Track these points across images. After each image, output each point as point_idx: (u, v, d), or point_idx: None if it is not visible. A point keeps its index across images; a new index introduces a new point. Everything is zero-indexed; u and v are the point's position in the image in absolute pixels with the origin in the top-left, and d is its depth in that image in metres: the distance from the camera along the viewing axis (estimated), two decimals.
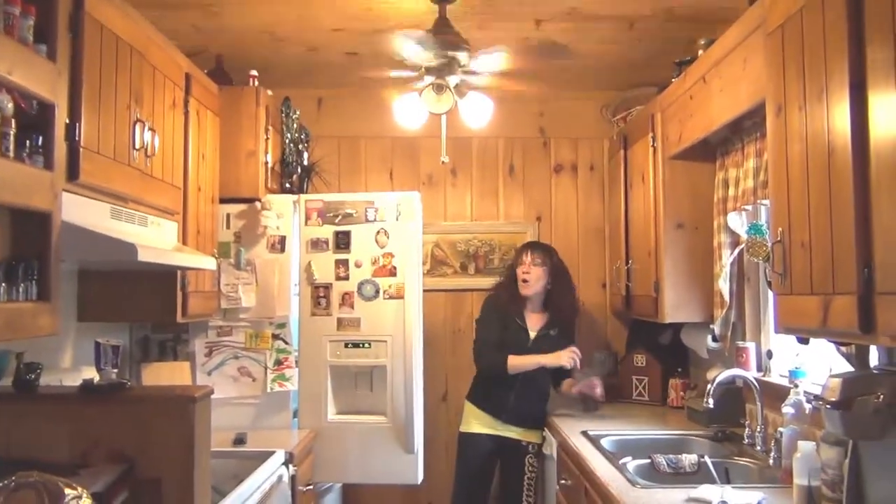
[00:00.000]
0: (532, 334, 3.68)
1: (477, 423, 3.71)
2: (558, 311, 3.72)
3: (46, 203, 1.93)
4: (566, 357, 3.52)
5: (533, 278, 3.67)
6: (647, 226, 3.55)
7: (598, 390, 3.55)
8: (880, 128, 1.62)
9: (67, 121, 2.06)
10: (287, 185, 3.80)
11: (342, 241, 3.58)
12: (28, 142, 1.89)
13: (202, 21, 3.27)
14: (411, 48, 2.81)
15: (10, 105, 1.81)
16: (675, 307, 3.34)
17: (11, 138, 1.80)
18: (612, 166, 4.33)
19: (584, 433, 3.17)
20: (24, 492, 1.62)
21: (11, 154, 1.79)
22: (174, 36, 3.22)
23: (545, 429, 3.64)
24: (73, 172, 2.07)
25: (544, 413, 3.71)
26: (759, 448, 2.81)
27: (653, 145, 3.46)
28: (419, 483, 3.60)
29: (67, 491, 1.61)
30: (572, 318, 3.80)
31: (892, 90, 1.57)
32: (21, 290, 1.85)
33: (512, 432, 3.66)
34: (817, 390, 2.22)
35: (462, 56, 3.01)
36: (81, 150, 2.09)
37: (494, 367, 3.61)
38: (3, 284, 1.80)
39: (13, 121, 1.80)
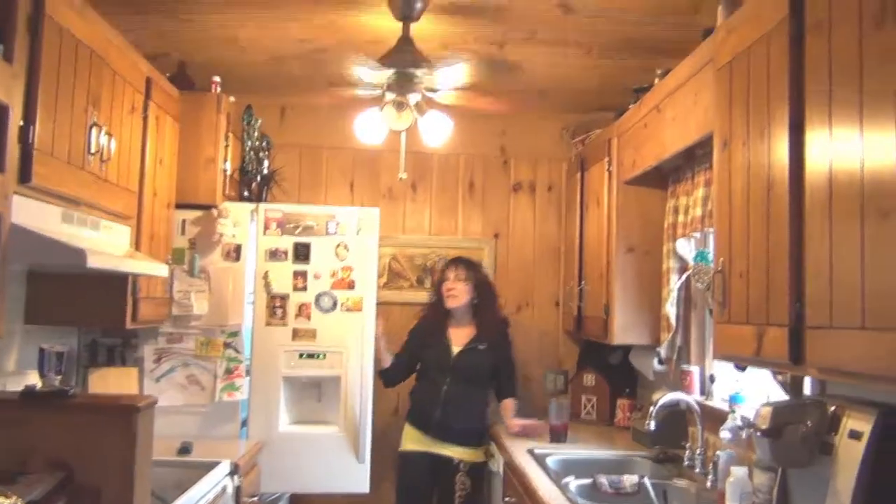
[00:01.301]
0: (455, 350, 3.73)
1: (410, 441, 3.73)
2: (486, 324, 3.77)
3: None
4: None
5: (458, 292, 3.74)
6: (600, 248, 3.62)
7: (539, 436, 3.53)
8: (816, 167, 1.70)
9: (22, 123, 2.04)
10: (246, 193, 3.79)
11: (301, 253, 3.59)
12: None
13: (166, 25, 3.25)
14: (367, 72, 2.85)
15: None
16: (624, 329, 3.41)
17: None
18: (569, 187, 4.40)
19: (530, 451, 3.21)
20: None
21: None
22: (137, 39, 3.21)
23: (492, 445, 3.67)
24: (25, 175, 2.05)
25: (482, 429, 3.73)
26: (698, 470, 2.87)
27: (608, 169, 3.54)
28: (367, 492, 3.62)
29: (0, 499, 1.60)
30: (503, 330, 3.86)
31: (827, 132, 1.64)
32: None
33: (445, 449, 3.65)
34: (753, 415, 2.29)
35: (422, 73, 3.04)
36: (35, 152, 2.07)
37: (380, 376, 3.77)
38: None
39: None
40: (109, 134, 2.55)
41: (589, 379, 4.13)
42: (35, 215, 2.13)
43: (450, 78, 3.09)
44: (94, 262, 2.12)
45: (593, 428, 3.93)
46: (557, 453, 3.22)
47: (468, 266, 3.84)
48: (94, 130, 2.43)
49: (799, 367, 1.73)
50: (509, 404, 3.75)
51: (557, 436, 3.46)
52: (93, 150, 2.43)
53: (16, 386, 2.42)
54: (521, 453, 3.19)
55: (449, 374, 3.67)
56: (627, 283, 3.41)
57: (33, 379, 2.46)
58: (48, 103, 2.15)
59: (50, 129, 2.17)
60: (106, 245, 2.57)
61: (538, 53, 3.48)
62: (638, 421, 3.49)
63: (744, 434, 2.41)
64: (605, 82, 3.87)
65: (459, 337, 3.76)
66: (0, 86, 1.92)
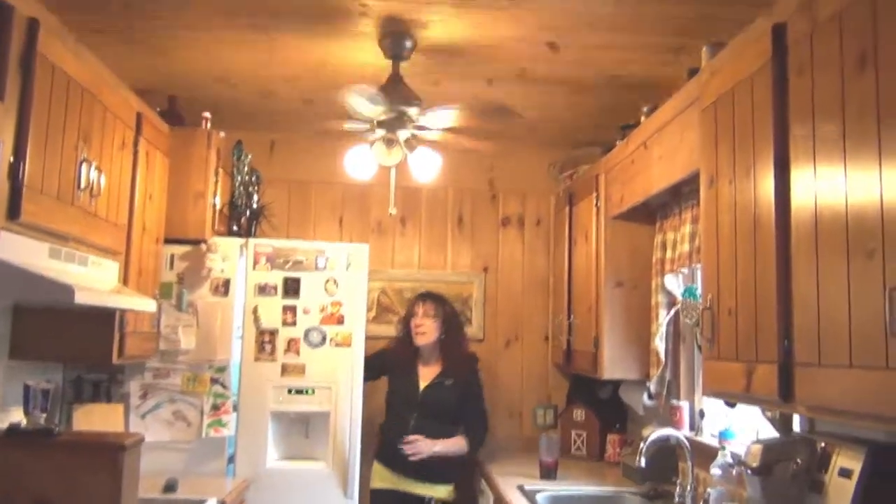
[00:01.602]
0: (422, 384, 3.69)
1: (379, 478, 3.67)
2: (453, 360, 3.73)
3: None
4: None
5: (427, 329, 3.71)
6: (589, 282, 3.63)
7: (409, 449, 3.52)
8: (801, 205, 1.72)
9: (11, 159, 2.05)
10: (235, 228, 3.79)
11: (291, 288, 3.58)
12: None
13: (157, 62, 3.28)
14: (361, 103, 2.87)
15: None
16: (613, 363, 3.41)
17: None
18: (557, 222, 4.43)
19: (520, 488, 3.19)
20: None
21: None
22: (128, 75, 3.23)
23: (482, 481, 3.63)
24: (13, 212, 2.05)
25: (452, 465, 3.63)
26: None
27: (596, 205, 3.56)
28: None
29: None
30: (472, 367, 3.81)
31: (812, 171, 1.67)
32: None
33: (414, 487, 3.57)
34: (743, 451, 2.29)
35: (413, 111, 3.07)
36: (24, 189, 2.07)
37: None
38: None
39: None
40: (99, 169, 2.56)
41: (578, 414, 4.11)
42: (22, 251, 2.13)
43: (440, 120, 3.12)
44: (81, 299, 2.11)
45: (583, 464, 3.90)
46: (548, 490, 3.19)
47: (436, 302, 3.81)
48: (84, 166, 2.43)
49: (788, 405, 1.74)
50: (458, 440, 3.63)
51: (548, 472, 3.43)
52: (82, 186, 2.43)
53: None
54: (510, 489, 3.17)
55: (416, 410, 3.63)
56: (616, 318, 3.42)
57: (17, 416, 2.43)
58: (39, 140, 2.16)
59: (40, 165, 2.17)
60: (94, 280, 2.56)
61: (527, 91, 3.53)
62: (628, 456, 3.47)
63: (734, 471, 2.41)
64: (593, 118, 3.92)
65: (427, 373, 3.73)
66: None
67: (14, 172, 2.05)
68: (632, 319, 3.41)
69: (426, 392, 3.66)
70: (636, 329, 3.40)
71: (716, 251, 2.13)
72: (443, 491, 3.59)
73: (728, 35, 2.62)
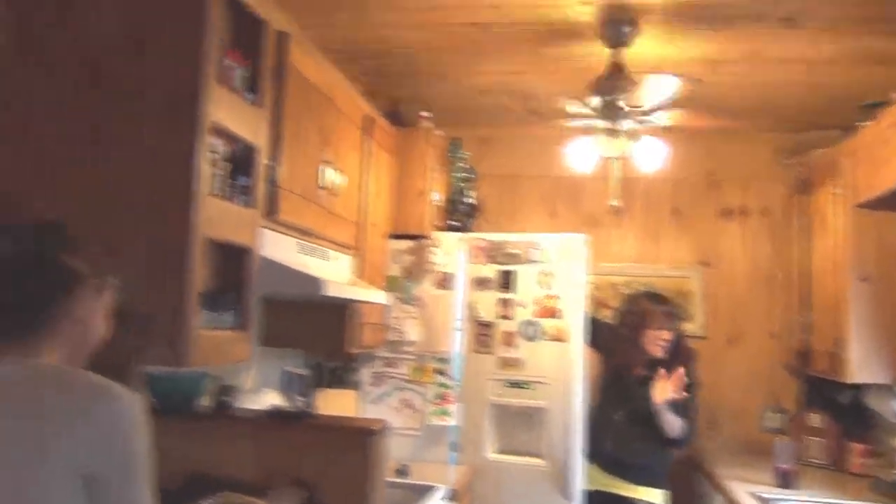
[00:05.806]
0: (634, 381, 3.24)
1: (588, 478, 3.31)
2: (672, 359, 3.17)
3: (248, 239, 2.09)
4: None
5: (667, 344, 3.21)
6: (829, 277, 3.35)
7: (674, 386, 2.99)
8: None
9: (267, 162, 2.22)
10: (451, 224, 3.89)
11: (506, 281, 3.61)
12: (233, 182, 2.06)
13: (380, 63, 3.43)
14: (576, 106, 2.82)
15: (224, 149, 1.98)
16: (860, 366, 3.11)
17: (223, 180, 1.96)
18: (787, 212, 4.11)
19: (756, 495, 2.99)
20: None
21: (223, 194, 1.96)
22: (353, 78, 3.41)
23: (702, 484, 3.45)
24: (271, 210, 2.23)
25: (663, 467, 3.22)
26: None
27: (838, 192, 3.27)
28: None
29: None
30: (689, 365, 3.19)
31: None
32: (223, 319, 2.01)
33: (621, 488, 3.18)
34: None
35: (635, 99, 2.98)
36: (280, 189, 2.24)
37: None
38: (211, 313, 1.95)
39: (224, 164, 1.97)
40: (338, 170, 2.71)
41: (814, 419, 3.79)
42: (275, 247, 2.30)
43: (658, 94, 2.98)
44: (330, 291, 2.26)
45: (820, 473, 3.59)
46: (788, 500, 2.97)
47: (673, 308, 3.33)
48: (324, 167, 2.59)
49: None
50: (677, 420, 3.09)
51: (786, 480, 3.18)
52: (324, 186, 2.59)
53: (252, 403, 2.62)
54: (744, 496, 2.98)
55: (623, 407, 3.21)
56: (863, 316, 3.12)
57: (269, 397, 2.65)
58: (290, 143, 2.33)
59: (290, 166, 2.34)
60: (333, 274, 2.73)
61: (755, 72, 3.31)
62: (880, 469, 3.16)
63: None
64: (827, 99, 3.60)
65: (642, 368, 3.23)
66: (251, 129, 2.11)
67: (270, 174, 2.22)
68: (881, 318, 3.10)
69: (637, 389, 3.15)
70: (886, 328, 3.09)
71: None
72: (655, 495, 3.17)
73: None
